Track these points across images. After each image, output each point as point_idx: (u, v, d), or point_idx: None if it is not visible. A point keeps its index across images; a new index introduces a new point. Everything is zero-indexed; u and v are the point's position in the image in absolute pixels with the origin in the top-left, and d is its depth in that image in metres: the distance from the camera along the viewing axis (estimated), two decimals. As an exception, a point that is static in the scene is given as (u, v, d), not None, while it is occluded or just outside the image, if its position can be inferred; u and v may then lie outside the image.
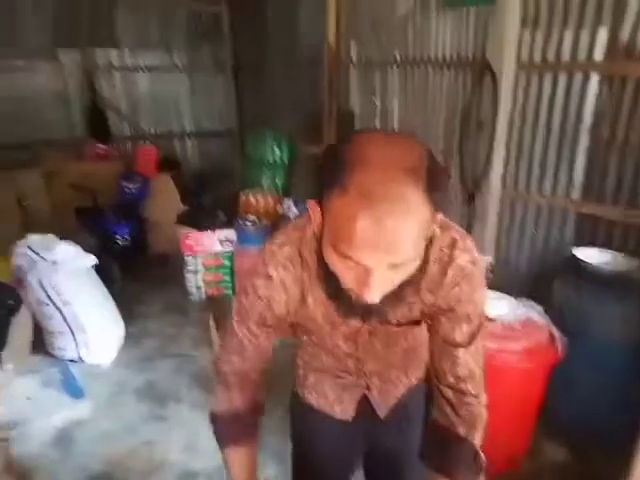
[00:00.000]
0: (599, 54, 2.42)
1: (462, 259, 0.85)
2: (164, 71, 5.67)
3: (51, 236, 3.00)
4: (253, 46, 5.42)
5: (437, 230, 0.83)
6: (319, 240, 0.78)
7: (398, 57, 3.57)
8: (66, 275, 2.76)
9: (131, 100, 5.63)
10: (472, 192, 3.06)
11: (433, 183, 0.66)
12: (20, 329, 2.74)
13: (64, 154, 4.99)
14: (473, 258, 0.86)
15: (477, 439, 0.94)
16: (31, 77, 5.43)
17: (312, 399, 1.19)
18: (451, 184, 3.20)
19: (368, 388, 1.14)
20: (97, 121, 5.40)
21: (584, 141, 2.57)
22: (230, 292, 3.72)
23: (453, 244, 0.85)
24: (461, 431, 0.93)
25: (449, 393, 0.93)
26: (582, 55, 2.48)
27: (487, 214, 2.99)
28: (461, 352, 0.90)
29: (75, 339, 2.87)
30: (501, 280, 2.59)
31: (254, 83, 5.62)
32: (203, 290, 3.73)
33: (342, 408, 1.16)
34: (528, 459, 2.18)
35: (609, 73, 2.41)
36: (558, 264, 2.49)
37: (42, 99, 5.42)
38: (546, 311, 2.06)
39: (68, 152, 5.07)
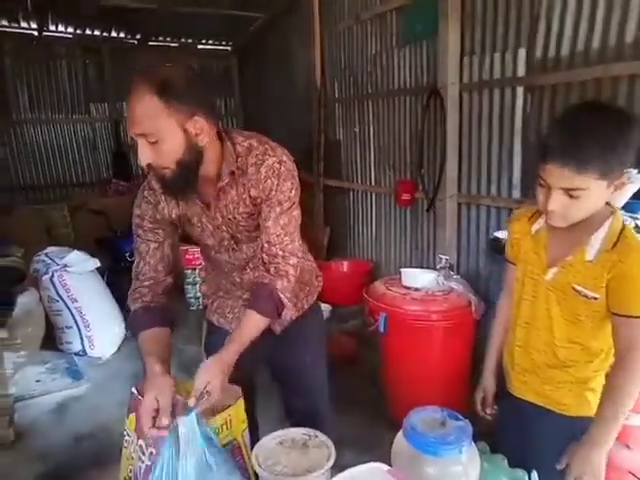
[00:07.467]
0: (521, 70, 2.81)
1: (270, 160, 1.20)
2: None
3: (66, 248, 3.51)
4: (256, 95, 6.09)
5: (254, 143, 1.23)
6: None
7: (370, 91, 4.06)
8: (74, 276, 3.22)
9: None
10: (432, 200, 3.40)
11: (165, 88, 1.05)
12: (34, 324, 3.19)
13: (89, 191, 5.66)
14: (280, 159, 1.21)
15: (279, 285, 1.23)
16: (67, 128, 6.25)
17: (214, 319, 1.52)
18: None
19: None
20: (120, 163, 6.11)
21: (517, 146, 2.91)
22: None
23: (264, 152, 1.21)
24: (265, 280, 1.24)
25: (264, 256, 1.25)
26: (509, 72, 2.88)
27: (445, 217, 3.31)
28: (271, 223, 1.23)
29: (80, 334, 3.28)
30: (463, 276, 2.88)
31: (257, 127, 6.25)
32: (201, 300, 4.11)
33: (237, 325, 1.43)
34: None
35: (530, 84, 2.78)
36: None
37: (75, 146, 6.20)
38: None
39: (93, 190, 5.74)
